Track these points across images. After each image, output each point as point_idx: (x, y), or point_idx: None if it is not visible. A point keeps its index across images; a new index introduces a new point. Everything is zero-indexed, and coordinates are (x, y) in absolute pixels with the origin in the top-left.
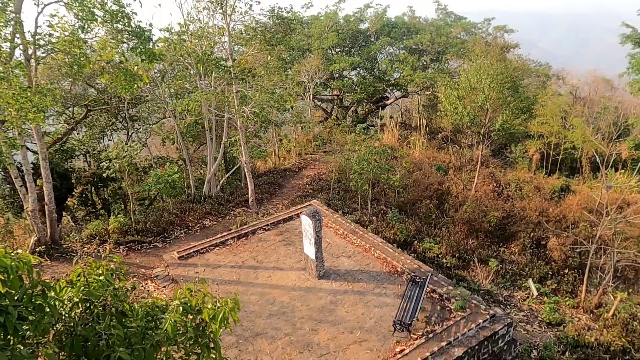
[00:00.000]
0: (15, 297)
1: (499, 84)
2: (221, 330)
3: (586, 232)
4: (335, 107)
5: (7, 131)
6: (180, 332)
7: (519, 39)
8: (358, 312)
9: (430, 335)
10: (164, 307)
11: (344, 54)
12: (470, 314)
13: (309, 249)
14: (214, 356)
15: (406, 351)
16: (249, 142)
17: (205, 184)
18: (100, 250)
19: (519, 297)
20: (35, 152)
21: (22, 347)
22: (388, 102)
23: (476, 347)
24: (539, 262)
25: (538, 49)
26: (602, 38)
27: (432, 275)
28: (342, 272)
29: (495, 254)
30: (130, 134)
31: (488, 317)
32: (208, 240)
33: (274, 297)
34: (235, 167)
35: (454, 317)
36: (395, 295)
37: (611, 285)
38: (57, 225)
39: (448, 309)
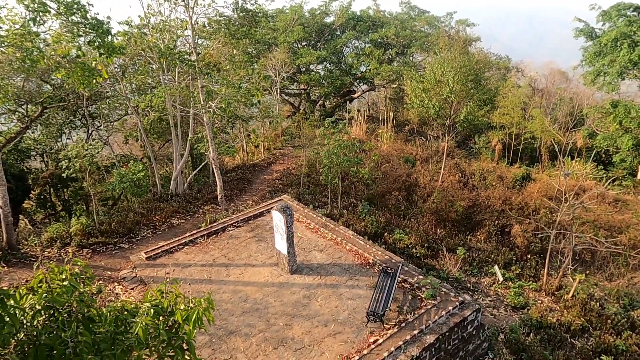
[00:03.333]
0: None
1: (462, 77)
2: (195, 331)
3: (546, 218)
4: (302, 101)
5: None
6: (152, 335)
7: (479, 33)
8: (332, 305)
9: (403, 324)
10: (134, 310)
11: (310, 47)
12: (440, 301)
13: (281, 244)
14: (188, 357)
15: (380, 341)
16: (216, 138)
17: (172, 181)
18: (62, 254)
19: (485, 283)
20: None
21: None
22: (355, 95)
23: (447, 334)
24: (504, 248)
25: (498, 42)
26: (558, 32)
27: (402, 265)
28: (315, 266)
29: (462, 242)
30: (90, 132)
31: (457, 304)
32: (177, 239)
33: (247, 294)
34: (203, 164)
35: (425, 305)
36: (367, 287)
37: (570, 268)
38: (14, 230)
39: (419, 297)
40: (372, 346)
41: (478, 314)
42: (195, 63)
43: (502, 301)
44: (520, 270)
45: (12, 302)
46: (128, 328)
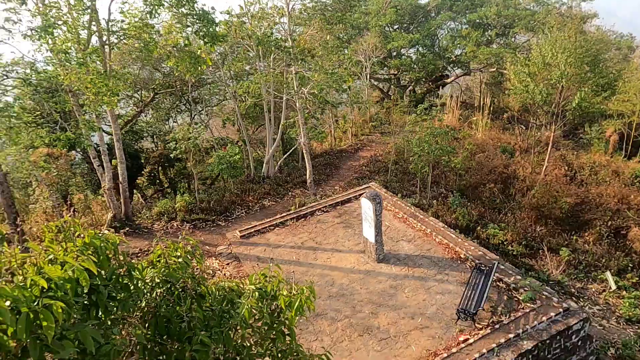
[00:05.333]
0: (104, 277)
1: (577, 59)
2: (297, 318)
3: None
4: (392, 86)
5: (86, 114)
6: (256, 317)
7: (596, 8)
8: (419, 298)
9: (497, 326)
10: (240, 291)
11: (402, 31)
12: (540, 306)
13: (369, 232)
14: (288, 342)
15: (470, 341)
16: (307, 124)
17: (264, 164)
18: (169, 227)
19: (593, 289)
20: (109, 134)
21: (111, 325)
22: (448, 80)
23: (547, 342)
24: (618, 253)
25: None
26: None
27: (498, 263)
28: (402, 256)
29: (566, 242)
30: (193, 116)
31: (561, 310)
32: (268, 220)
33: (334, 279)
34: (293, 149)
35: (523, 308)
36: (458, 283)
37: None
38: (130, 203)
39: (516, 299)
40: (462, 345)
41: (585, 324)
42: (290, 49)
43: (614, 312)
44: (637, 279)
45: (136, 274)
46: (234, 308)
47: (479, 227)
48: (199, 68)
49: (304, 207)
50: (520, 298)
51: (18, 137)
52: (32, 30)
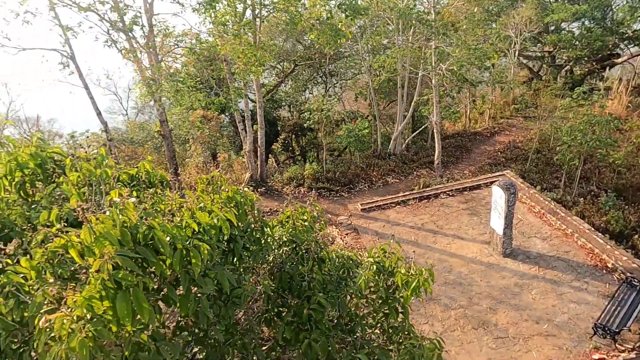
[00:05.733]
0: (241, 229)
1: None
2: (412, 298)
3: None
4: (544, 65)
5: (235, 82)
6: (372, 289)
7: None
8: (548, 303)
9: None
10: (359, 262)
11: (565, 1)
12: None
13: (497, 223)
14: (400, 320)
15: None
16: (441, 102)
17: (392, 141)
18: (296, 192)
19: None
20: (253, 102)
21: (243, 272)
22: (618, 60)
23: None
24: None
25: None
26: None
27: None
28: (533, 254)
29: None
30: (327, 88)
31: None
32: (390, 197)
33: (452, 266)
34: (422, 127)
35: None
36: (599, 294)
37: None
38: (265, 166)
39: None
40: None
41: None
42: (433, 23)
43: None
44: None
45: (267, 230)
46: (352, 277)
47: (636, 236)
48: (339, 41)
49: (428, 188)
50: None
51: (182, 99)
52: (200, 5)
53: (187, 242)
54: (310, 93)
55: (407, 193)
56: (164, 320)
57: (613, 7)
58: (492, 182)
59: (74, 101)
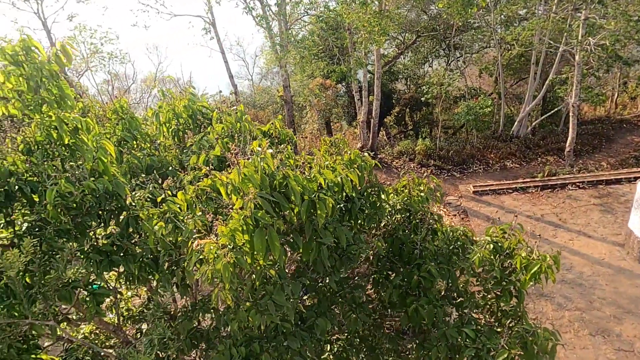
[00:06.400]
0: (359, 191)
1: None
2: (530, 283)
3: None
4: None
5: (356, 52)
6: (486, 269)
7: None
8: None
9: None
10: (474, 239)
11: None
12: None
13: (637, 224)
14: (514, 303)
15: None
16: (583, 82)
17: (516, 122)
18: (406, 167)
19: None
20: (370, 72)
21: (359, 232)
22: None
23: None
24: None
25: None
26: None
27: None
28: None
29: None
30: (449, 62)
31: None
32: (507, 182)
33: (572, 264)
34: (555, 110)
35: None
36: None
37: None
38: (376, 138)
39: None
40: None
41: None
42: None
43: None
44: None
45: (384, 196)
46: (465, 253)
47: None
48: (469, 11)
49: (553, 177)
50: None
51: (306, 66)
52: None
53: (314, 195)
54: (430, 66)
55: (528, 180)
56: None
57: None
58: (636, 178)
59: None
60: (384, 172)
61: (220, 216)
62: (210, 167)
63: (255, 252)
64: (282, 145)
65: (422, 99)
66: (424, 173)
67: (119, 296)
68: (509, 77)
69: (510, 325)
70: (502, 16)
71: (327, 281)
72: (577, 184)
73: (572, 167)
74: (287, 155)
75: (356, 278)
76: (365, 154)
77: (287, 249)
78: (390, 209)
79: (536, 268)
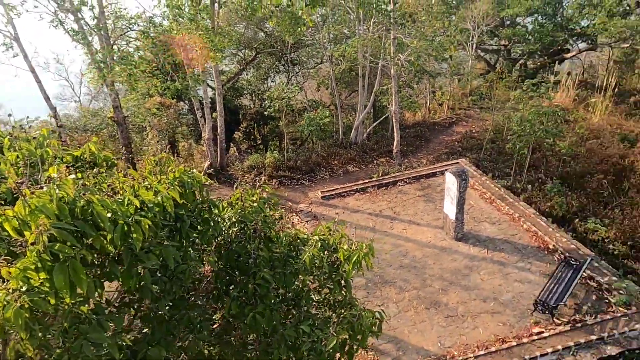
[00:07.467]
0: (189, 209)
1: None
2: (353, 272)
3: None
4: (500, 59)
5: (193, 68)
6: (317, 265)
7: None
8: (495, 283)
9: (579, 325)
10: (305, 240)
11: None
12: (635, 312)
13: (450, 209)
14: (344, 293)
15: (545, 334)
16: (401, 92)
17: (353, 130)
18: (257, 181)
19: None
20: (213, 89)
21: (191, 251)
22: (568, 55)
23: (637, 352)
24: None
25: None
26: None
27: (592, 259)
28: (483, 238)
29: None
30: (290, 77)
31: None
32: (350, 185)
33: (407, 250)
34: (384, 117)
35: (614, 312)
36: (541, 274)
37: None
38: (225, 154)
39: (607, 301)
40: (535, 337)
41: None
42: (391, 13)
43: None
44: None
45: (216, 211)
46: (298, 254)
47: (577, 220)
48: (298, 29)
49: (386, 176)
50: (613, 301)
51: (136, 83)
52: None
53: (129, 218)
54: (272, 81)
55: (367, 181)
56: (113, 298)
57: (563, 4)
58: (446, 170)
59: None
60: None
61: (15, 258)
62: (1, 202)
63: (58, 290)
64: (95, 170)
65: (266, 113)
66: (262, 180)
67: None
68: (343, 89)
69: (343, 313)
70: (330, 35)
71: (158, 306)
72: (405, 180)
73: (400, 165)
74: (99, 180)
75: (191, 298)
76: (194, 170)
77: (104, 280)
78: (226, 223)
79: (356, 257)
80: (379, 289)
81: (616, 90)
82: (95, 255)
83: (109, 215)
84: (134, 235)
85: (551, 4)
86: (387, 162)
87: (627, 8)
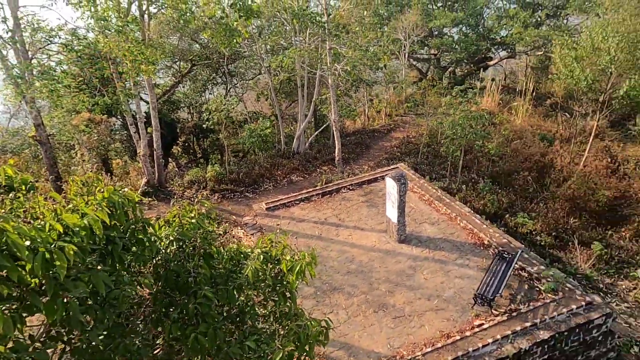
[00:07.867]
0: (121, 230)
1: (630, 44)
2: (297, 282)
3: None
4: (431, 67)
5: (125, 82)
6: (260, 278)
7: None
8: (437, 281)
9: (514, 314)
10: (247, 253)
11: (446, 9)
12: (562, 297)
13: (392, 212)
14: (289, 304)
15: (485, 326)
16: (339, 101)
17: (295, 140)
18: (198, 195)
19: (624, 286)
20: (147, 102)
21: (125, 274)
22: (491, 63)
23: (565, 334)
24: None
25: None
26: None
27: (522, 251)
28: (424, 238)
29: (600, 237)
30: (228, 89)
31: (583, 303)
32: (294, 194)
33: (353, 256)
34: (325, 126)
35: (543, 298)
36: (478, 268)
37: None
38: (164, 170)
39: (537, 289)
40: (476, 329)
41: (608, 320)
42: (326, 24)
43: None
44: None
45: (152, 230)
46: (240, 269)
47: (507, 215)
48: (234, 41)
49: (330, 184)
50: (542, 288)
51: (59, 99)
52: None
53: (52, 245)
54: (210, 94)
55: (310, 190)
56: (39, 333)
57: (484, 15)
58: (386, 175)
59: None
60: (175, 204)
61: None
62: None
63: None
64: (12, 195)
65: (205, 125)
66: (202, 194)
67: None
68: (283, 99)
69: (289, 325)
70: (267, 46)
71: (89, 336)
72: (348, 186)
73: (343, 173)
74: (16, 206)
75: (130, 325)
76: (126, 189)
77: (25, 314)
78: (165, 242)
79: (299, 267)
80: (328, 297)
81: (534, 94)
82: (12, 287)
83: (27, 243)
84: (58, 262)
85: (473, 15)
86: (330, 170)
87: (539, 19)
